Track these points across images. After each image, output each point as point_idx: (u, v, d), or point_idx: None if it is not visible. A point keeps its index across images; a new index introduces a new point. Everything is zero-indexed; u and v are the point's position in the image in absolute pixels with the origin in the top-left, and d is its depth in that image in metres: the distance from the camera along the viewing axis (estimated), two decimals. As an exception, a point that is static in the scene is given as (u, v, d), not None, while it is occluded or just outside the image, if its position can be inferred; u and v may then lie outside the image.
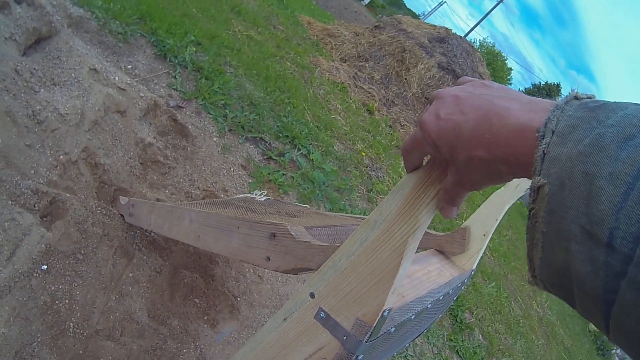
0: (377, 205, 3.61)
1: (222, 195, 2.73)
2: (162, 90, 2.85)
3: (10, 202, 1.70)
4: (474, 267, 1.54)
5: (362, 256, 0.85)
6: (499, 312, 4.57)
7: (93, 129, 2.15)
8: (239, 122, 3.18)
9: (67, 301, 1.72)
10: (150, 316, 2.00)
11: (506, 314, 4.72)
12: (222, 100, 3.18)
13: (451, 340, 3.51)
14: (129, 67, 2.74)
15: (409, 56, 5.74)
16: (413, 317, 1.09)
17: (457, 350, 3.49)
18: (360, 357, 0.89)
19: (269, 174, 3.09)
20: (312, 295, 0.93)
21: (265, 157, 3.22)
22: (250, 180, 2.91)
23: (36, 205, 1.81)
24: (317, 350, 0.92)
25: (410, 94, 5.62)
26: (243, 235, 1.33)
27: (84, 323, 1.74)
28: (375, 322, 0.84)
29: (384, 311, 0.83)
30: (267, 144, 3.31)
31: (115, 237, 2.03)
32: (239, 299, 2.42)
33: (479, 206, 1.60)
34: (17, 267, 1.60)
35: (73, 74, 2.11)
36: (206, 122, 2.97)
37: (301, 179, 3.30)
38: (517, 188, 1.54)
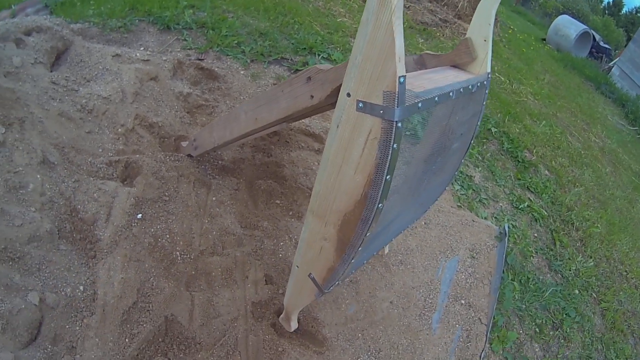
0: None
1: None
2: (179, 54, 2.67)
3: (91, 178, 1.67)
4: (488, 70, 1.48)
5: (369, 45, 0.92)
6: (557, 147, 4.09)
7: (136, 100, 2.05)
8: (257, 52, 2.95)
9: (167, 236, 1.70)
10: (243, 226, 1.95)
11: (565, 148, 4.22)
12: (235, 40, 2.94)
13: (519, 179, 3.22)
14: (142, 49, 2.57)
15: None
16: (437, 98, 1.10)
17: (527, 187, 3.20)
18: (399, 125, 0.93)
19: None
20: (348, 95, 0.99)
21: (291, 71, 3.00)
22: (285, 95, 2.71)
23: (114, 173, 1.77)
24: (367, 135, 0.98)
25: None
26: (287, 94, 1.38)
27: (188, 249, 1.72)
28: (397, 88, 0.89)
29: (399, 78, 0.90)
30: (289, 60, 3.08)
31: (189, 174, 1.98)
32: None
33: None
34: (116, 224, 1.58)
35: (100, 66, 2.00)
36: (229, 63, 2.78)
37: (328, 77, 3.04)
38: None
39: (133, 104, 2.00)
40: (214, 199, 1.99)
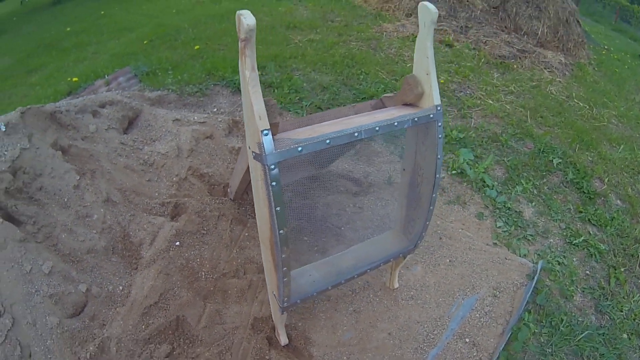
0: (471, 119, 3.64)
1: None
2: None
3: (145, 214, 2.48)
4: (436, 102, 1.73)
5: (246, 109, 1.45)
6: (638, 172, 3.93)
7: (191, 155, 2.89)
8: (316, 105, 3.66)
9: (198, 260, 2.40)
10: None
11: (649, 173, 4.02)
12: (297, 96, 3.70)
13: (580, 212, 3.25)
14: (214, 110, 3.48)
15: (459, -20, 5.58)
16: (328, 141, 1.53)
17: (589, 220, 3.21)
18: (272, 167, 1.41)
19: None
20: (249, 148, 1.51)
21: (345, 121, 3.60)
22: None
23: (165, 211, 2.57)
24: (260, 177, 1.47)
25: (479, 11, 5.41)
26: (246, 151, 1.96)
27: (212, 270, 2.38)
28: (262, 139, 1.39)
29: (262, 131, 1.38)
30: (345, 111, 3.69)
31: (229, 214, 2.68)
32: (342, 228, 2.81)
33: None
34: (157, 247, 2.34)
35: (163, 129, 2.90)
36: (287, 117, 3.53)
37: (382, 124, 3.57)
38: (426, 26, 1.69)
39: (188, 158, 2.85)
40: (246, 234, 2.66)
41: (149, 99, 3.29)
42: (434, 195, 1.95)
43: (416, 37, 5.05)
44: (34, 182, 2.18)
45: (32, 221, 2.09)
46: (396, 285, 2.48)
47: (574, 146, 3.86)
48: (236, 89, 3.74)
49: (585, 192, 3.43)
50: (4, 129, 2.14)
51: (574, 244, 2.97)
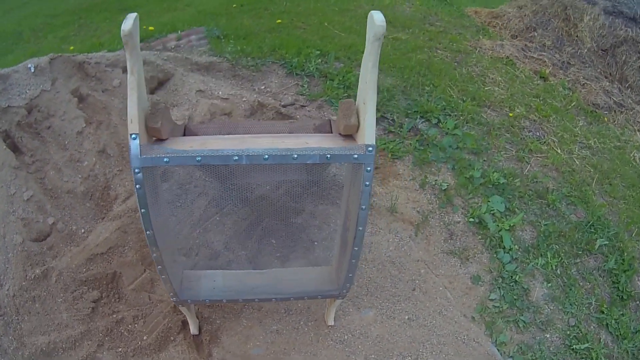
0: (527, 164, 3.36)
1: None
2: (289, 97, 3.65)
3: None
4: (368, 141, 1.50)
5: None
6: None
7: (205, 128, 3.16)
8: (360, 108, 3.66)
9: (160, 228, 2.72)
10: (226, 248, 2.70)
11: None
12: (345, 92, 3.69)
13: (602, 312, 2.79)
14: (262, 87, 3.64)
15: (572, 12, 4.97)
16: (199, 159, 1.48)
17: (607, 325, 2.75)
18: (137, 171, 1.44)
19: (384, 144, 3.34)
20: None
21: (385, 132, 3.49)
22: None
23: (154, 174, 2.91)
24: None
25: (586, 50, 4.80)
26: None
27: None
28: (130, 142, 1.43)
29: (131, 135, 1.42)
30: (389, 121, 3.57)
31: (211, 194, 2.92)
32: (316, 243, 2.79)
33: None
34: (128, 205, 2.65)
35: (185, 97, 3.18)
36: (325, 113, 3.58)
37: (419, 144, 3.40)
38: (370, 42, 1.40)
39: (198, 129, 3.14)
40: (217, 218, 2.76)
41: (196, 64, 3.58)
42: (355, 248, 1.83)
43: (511, 60, 4.89)
44: (45, 121, 2.61)
45: (30, 154, 2.53)
46: (330, 322, 2.40)
47: (633, 229, 3.33)
48: (291, 71, 3.84)
49: (619, 289, 2.95)
50: (32, 71, 2.59)
51: (572, 349, 2.62)
